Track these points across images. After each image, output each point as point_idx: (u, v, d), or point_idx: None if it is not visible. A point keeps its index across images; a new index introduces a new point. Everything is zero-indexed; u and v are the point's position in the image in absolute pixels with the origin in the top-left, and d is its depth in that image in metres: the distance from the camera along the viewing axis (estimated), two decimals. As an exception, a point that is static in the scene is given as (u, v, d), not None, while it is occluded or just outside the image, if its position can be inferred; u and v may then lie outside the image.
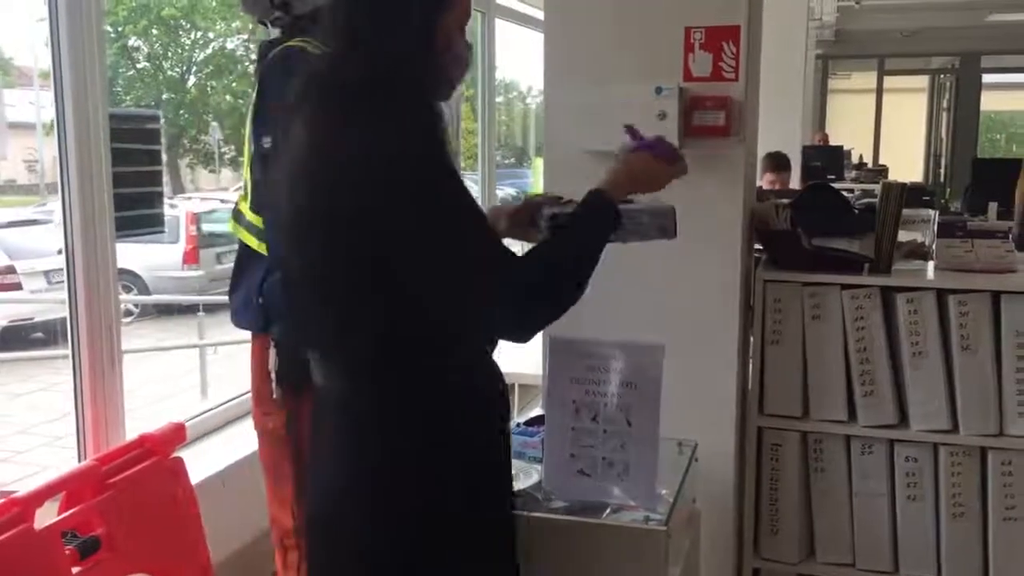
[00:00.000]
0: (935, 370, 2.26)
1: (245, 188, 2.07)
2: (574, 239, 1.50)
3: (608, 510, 1.75)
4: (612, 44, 2.28)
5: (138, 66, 16.31)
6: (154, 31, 15.75)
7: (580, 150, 2.21)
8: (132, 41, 15.82)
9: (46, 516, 2.15)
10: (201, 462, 2.52)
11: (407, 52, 1.39)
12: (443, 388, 1.44)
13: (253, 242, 2.02)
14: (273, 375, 2.01)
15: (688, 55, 2.23)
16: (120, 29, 15.70)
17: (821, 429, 2.36)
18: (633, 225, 1.59)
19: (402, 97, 1.36)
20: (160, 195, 2.96)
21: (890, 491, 2.33)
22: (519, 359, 3.95)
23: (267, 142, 1.98)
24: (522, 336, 1.43)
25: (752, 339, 2.41)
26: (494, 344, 1.57)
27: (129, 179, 2.62)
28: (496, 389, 1.56)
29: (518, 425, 2.07)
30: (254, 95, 2.04)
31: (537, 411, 2.14)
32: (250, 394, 2.11)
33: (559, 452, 1.79)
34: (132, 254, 9.95)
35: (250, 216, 2.03)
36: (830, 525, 2.39)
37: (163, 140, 3.13)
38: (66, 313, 2.33)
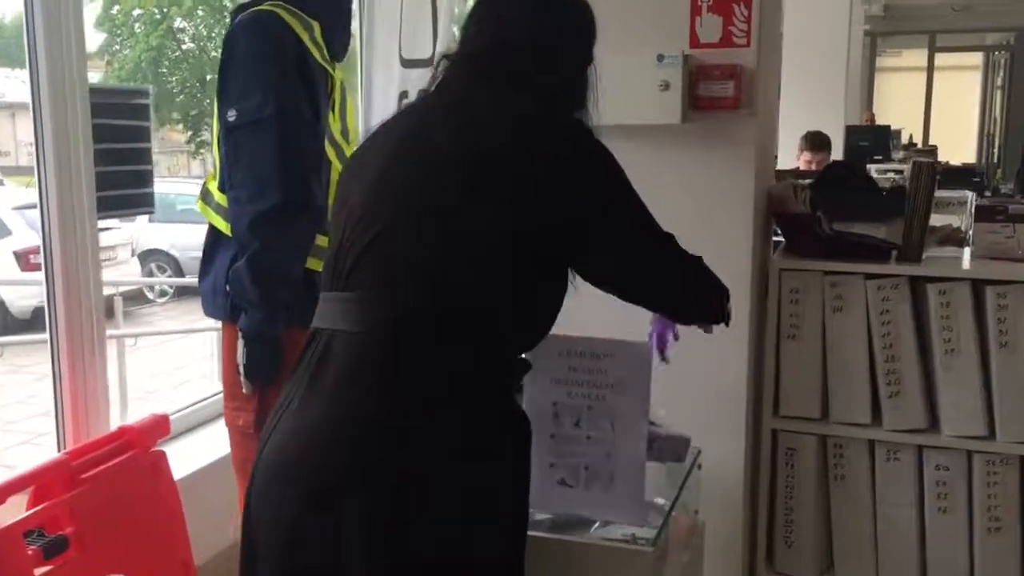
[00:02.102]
0: (969, 369, 2.06)
1: (215, 166, 1.92)
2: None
3: (596, 524, 1.59)
4: (608, 6, 2.08)
5: (183, 47, 16.43)
6: (199, 12, 15.85)
7: (574, 125, 2.03)
8: (178, 23, 15.95)
9: (16, 513, 2.08)
10: (191, 455, 2.40)
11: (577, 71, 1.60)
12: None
13: (222, 224, 1.88)
14: (241, 368, 1.86)
15: (695, 18, 2.03)
16: (166, 11, 15.82)
17: (842, 433, 2.17)
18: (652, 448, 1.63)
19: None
20: (150, 173, 2.83)
21: (918, 502, 2.14)
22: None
23: (231, 115, 1.83)
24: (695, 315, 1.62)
25: (767, 333, 2.21)
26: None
27: (115, 156, 2.53)
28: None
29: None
30: (219, 66, 1.88)
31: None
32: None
33: (538, 460, 1.61)
34: (166, 234, 10.02)
35: (218, 196, 1.89)
36: (851, 538, 2.20)
37: (152, 117, 3.02)
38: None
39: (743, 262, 2.11)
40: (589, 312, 2.08)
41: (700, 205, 2.08)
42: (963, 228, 2.28)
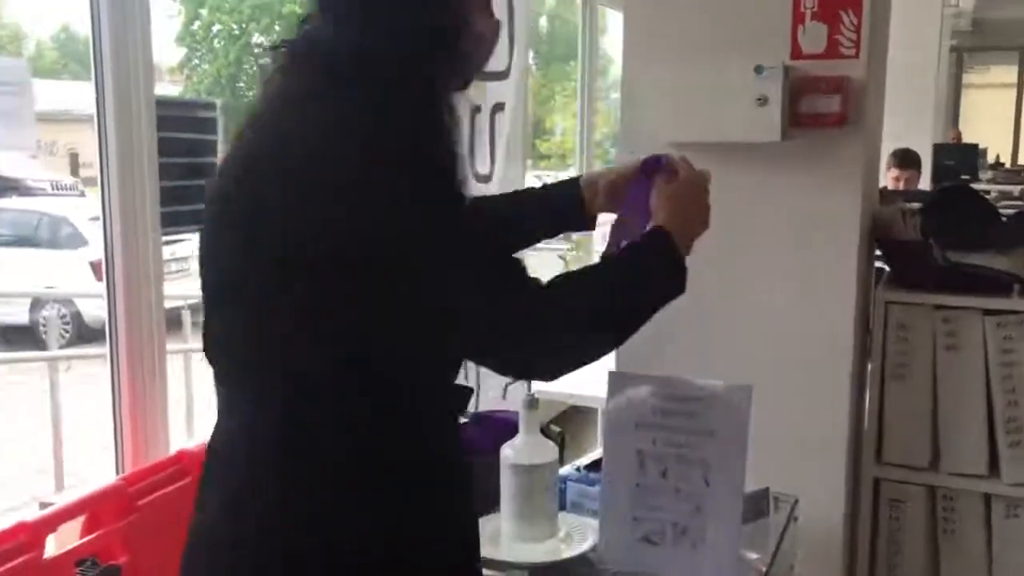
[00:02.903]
0: (1104, 419, 1.83)
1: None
2: (625, 278, 1.20)
3: (679, 586, 1.42)
4: (704, 13, 1.93)
5: (260, 62, 16.76)
6: (276, 28, 16.14)
7: (663, 142, 1.87)
8: (256, 38, 16.27)
9: (70, 540, 2.01)
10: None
11: (411, 28, 1.11)
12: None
13: None
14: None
15: (797, 26, 1.85)
16: (244, 26, 16.14)
17: (953, 484, 1.97)
18: None
19: (398, 80, 1.08)
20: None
21: (1041, 565, 1.92)
22: (576, 378, 3.59)
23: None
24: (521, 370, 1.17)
25: (870, 372, 2.02)
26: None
27: (181, 170, 2.48)
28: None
29: (577, 469, 1.75)
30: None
31: (599, 452, 1.81)
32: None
33: (619, 513, 1.46)
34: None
35: None
36: (962, 601, 1.99)
37: (221, 130, 2.96)
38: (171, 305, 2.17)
39: (846, 293, 1.92)
40: (680, 347, 1.94)
41: (799, 231, 1.91)
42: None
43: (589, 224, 1.42)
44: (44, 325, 6.90)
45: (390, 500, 1.10)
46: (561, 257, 5.56)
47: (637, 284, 1.20)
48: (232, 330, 1.12)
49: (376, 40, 1.10)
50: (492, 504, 1.51)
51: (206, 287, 1.16)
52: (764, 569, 1.50)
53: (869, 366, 2.04)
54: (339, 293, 1.04)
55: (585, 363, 1.14)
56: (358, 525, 1.09)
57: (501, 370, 1.14)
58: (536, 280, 1.09)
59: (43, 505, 2.15)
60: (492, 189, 2.49)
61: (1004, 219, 2.09)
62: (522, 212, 1.45)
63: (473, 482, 1.22)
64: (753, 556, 1.51)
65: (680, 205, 1.28)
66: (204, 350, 1.16)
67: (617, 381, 1.46)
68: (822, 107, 1.81)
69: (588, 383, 3.16)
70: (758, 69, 1.80)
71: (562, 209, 1.42)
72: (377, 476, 1.10)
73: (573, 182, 1.43)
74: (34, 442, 5.56)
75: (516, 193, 1.55)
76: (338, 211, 1.02)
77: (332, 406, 1.08)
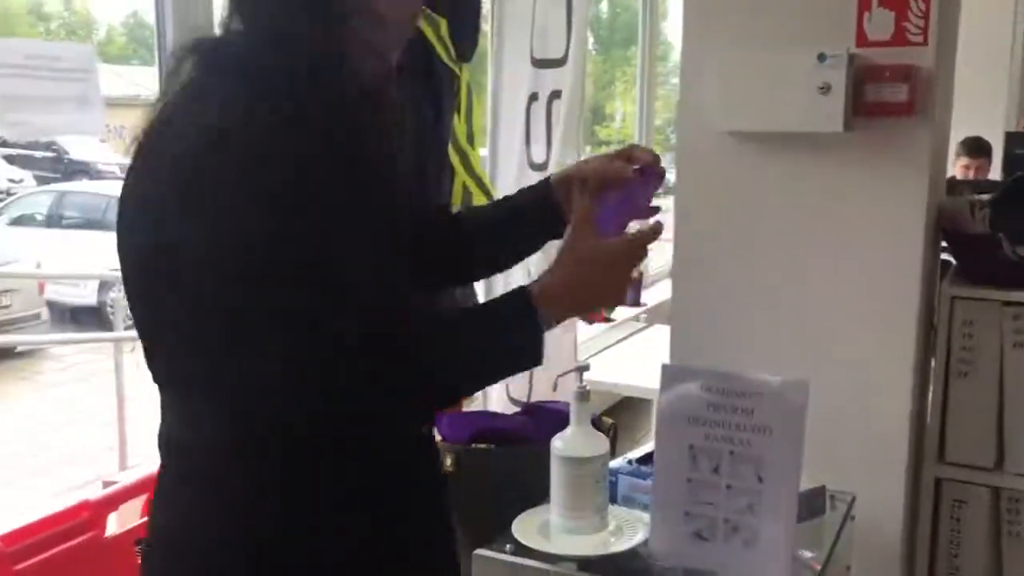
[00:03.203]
0: None
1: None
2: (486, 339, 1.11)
3: (730, 584, 1.40)
4: (766, -1, 1.89)
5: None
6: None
7: (720, 131, 1.84)
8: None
9: (131, 519, 2.06)
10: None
11: (294, 17, 1.05)
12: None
13: None
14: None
15: (863, 13, 1.79)
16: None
17: (1019, 486, 1.89)
18: None
19: (282, 69, 1.03)
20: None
21: (1111, 571, 1.85)
22: (630, 369, 3.58)
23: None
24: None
25: (933, 369, 1.96)
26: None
27: None
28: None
29: (629, 462, 1.73)
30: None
31: (651, 445, 1.80)
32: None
33: (670, 508, 1.44)
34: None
35: None
36: (1026, 606, 1.92)
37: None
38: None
39: (909, 288, 1.87)
40: (736, 340, 1.91)
41: (861, 223, 1.86)
42: None
43: (566, 224, 1.28)
44: (111, 306, 7.07)
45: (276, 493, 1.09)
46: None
47: (486, 357, 1.11)
48: (137, 319, 1.12)
49: (263, 32, 1.07)
50: (542, 496, 1.50)
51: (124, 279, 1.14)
52: (819, 567, 1.46)
53: (932, 363, 1.98)
54: (211, 289, 1.01)
55: (405, 409, 1.09)
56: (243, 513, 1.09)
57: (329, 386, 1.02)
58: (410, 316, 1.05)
59: (106, 484, 2.20)
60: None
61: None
62: (497, 222, 1.39)
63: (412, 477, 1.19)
64: (808, 554, 1.48)
65: (590, 272, 1.15)
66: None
67: (670, 374, 1.43)
68: (888, 96, 1.76)
69: (642, 374, 3.14)
70: (821, 57, 1.75)
71: (534, 216, 1.33)
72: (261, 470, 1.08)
73: (544, 183, 1.34)
74: (102, 421, 5.74)
75: (498, 201, 1.46)
76: (201, 205, 0.99)
77: (206, 401, 1.07)
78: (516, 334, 1.11)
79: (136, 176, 1.08)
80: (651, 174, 1.26)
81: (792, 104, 1.78)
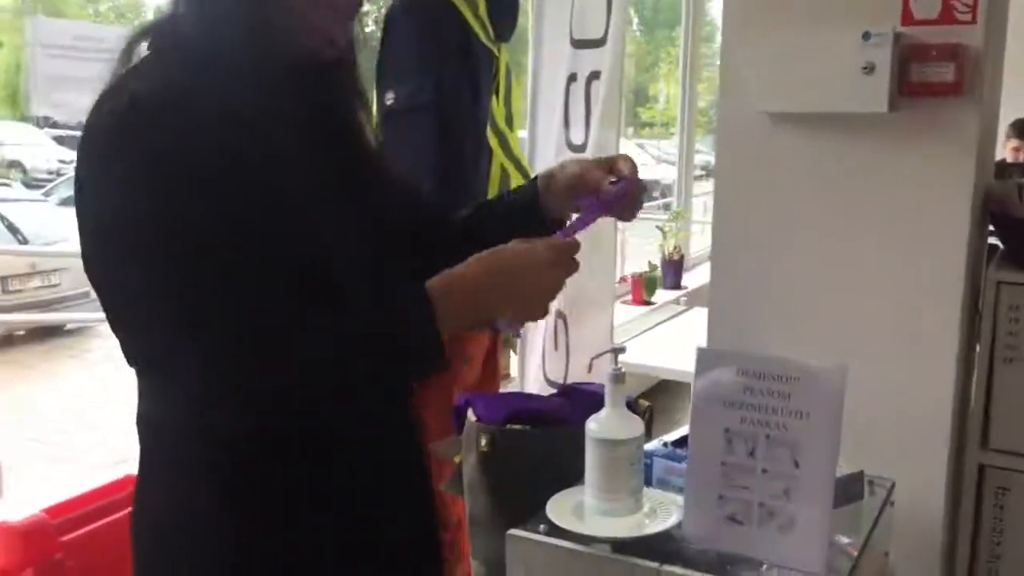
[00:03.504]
0: None
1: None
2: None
3: (764, 567, 1.39)
4: (806, -24, 1.85)
5: (367, 30, 16.91)
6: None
7: (761, 112, 1.81)
8: (365, 7, 16.43)
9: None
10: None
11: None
12: None
13: None
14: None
15: (909, -10, 1.75)
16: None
17: (1065, 474, 1.85)
18: None
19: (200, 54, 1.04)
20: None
21: None
22: (668, 352, 3.56)
23: (390, 98, 1.74)
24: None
25: (978, 354, 1.92)
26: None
27: None
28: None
29: (664, 444, 1.72)
30: (379, 47, 1.79)
31: (687, 428, 1.79)
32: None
33: (704, 491, 1.43)
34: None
35: None
36: (1071, 597, 1.89)
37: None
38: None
39: (954, 272, 1.83)
40: (775, 324, 1.89)
41: (905, 205, 1.82)
42: None
43: (552, 225, 1.28)
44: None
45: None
46: (659, 228, 5.46)
47: (378, 361, 1.07)
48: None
49: (196, 12, 1.07)
50: (577, 477, 1.50)
51: None
52: (855, 553, 1.45)
53: (977, 348, 1.95)
54: (114, 269, 1.05)
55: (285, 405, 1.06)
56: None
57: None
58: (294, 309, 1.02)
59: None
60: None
61: None
62: (483, 219, 1.38)
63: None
64: (845, 540, 1.47)
65: (508, 284, 1.10)
66: None
67: (706, 357, 1.42)
68: (934, 76, 1.72)
69: (681, 358, 3.13)
70: (866, 35, 1.71)
71: (514, 209, 1.32)
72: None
73: (532, 180, 1.32)
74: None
75: (492, 202, 1.46)
76: (88, 178, 1.03)
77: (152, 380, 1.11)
78: (411, 335, 1.06)
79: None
80: (626, 188, 1.22)
81: (835, 84, 1.75)
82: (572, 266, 1.12)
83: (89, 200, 1.04)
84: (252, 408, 1.03)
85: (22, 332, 7.46)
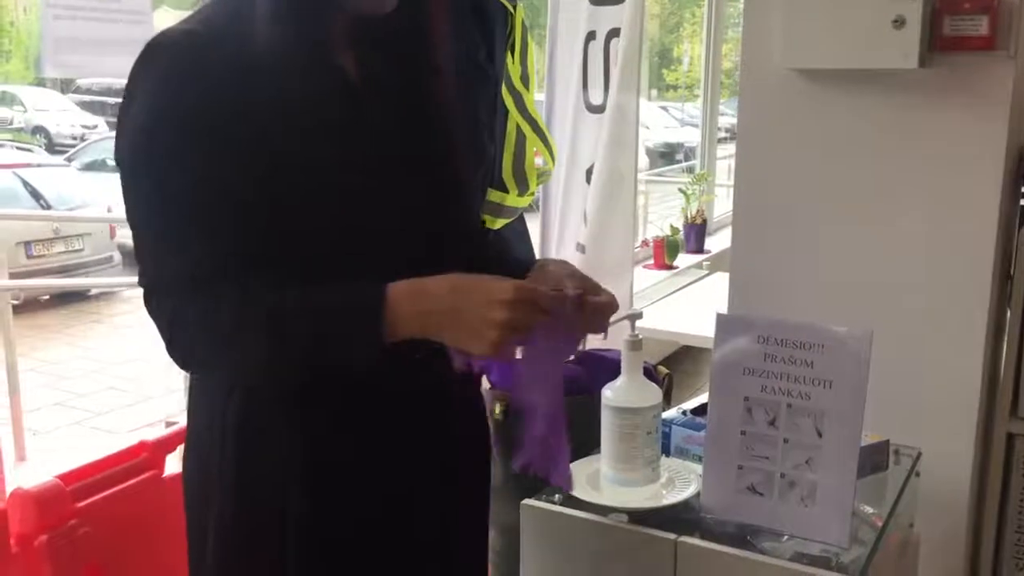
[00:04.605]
0: None
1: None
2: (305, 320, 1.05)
3: (784, 538, 1.35)
4: (835, -73, 1.77)
5: None
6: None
7: (785, 69, 1.75)
8: None
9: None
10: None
11: None
12: None
13: None
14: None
15: (941, -60, 1.68)
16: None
17: (1097, 443, 1.81)
18: None
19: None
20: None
21: None
22: (690, 317, 3.51)
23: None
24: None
25: (1008, 319, 1.87)
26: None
27: None
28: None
29: (683, 413, 1.69)
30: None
31: (706, 396, 1.75)
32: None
33: (723, 461, 1.39)
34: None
35: None
36: (1101, 568, 1.84)
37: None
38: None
39: (985, 235, 1.78)
40: (798, 289, 1.84)
41: (936, 165, 1.76)
42: None
43: None
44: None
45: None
46: (682, 191, 5.39)
47: (307, 345, 1.05)
48: None
49: None
50: (593, 446, 1.47)
51: None
52: (880, 523, 1.41)
53: (1008, 313, 1.89)
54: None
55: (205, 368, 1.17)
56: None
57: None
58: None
59: (168, 424, 2.23)
60: (605, 120, 2.40)
61: None
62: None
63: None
64: (869, 510, 1.43)
65: (459, 304, 1.04)
66: None
67: (726, 324, 1.38)
68: (967, 29, 1.65)
69: (702, 323, 3.07)
70: (895, -13, 1.65)
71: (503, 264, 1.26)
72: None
73: (532, 261, 1.31)
74: (170, 362, 5.87)
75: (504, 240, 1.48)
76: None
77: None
78: (350, 325, 1.04)
79: None
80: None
81: (863, 39, 1.69)
82: (529, 313, 1.05)
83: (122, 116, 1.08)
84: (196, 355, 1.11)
85: (46, 297, 7.51)
